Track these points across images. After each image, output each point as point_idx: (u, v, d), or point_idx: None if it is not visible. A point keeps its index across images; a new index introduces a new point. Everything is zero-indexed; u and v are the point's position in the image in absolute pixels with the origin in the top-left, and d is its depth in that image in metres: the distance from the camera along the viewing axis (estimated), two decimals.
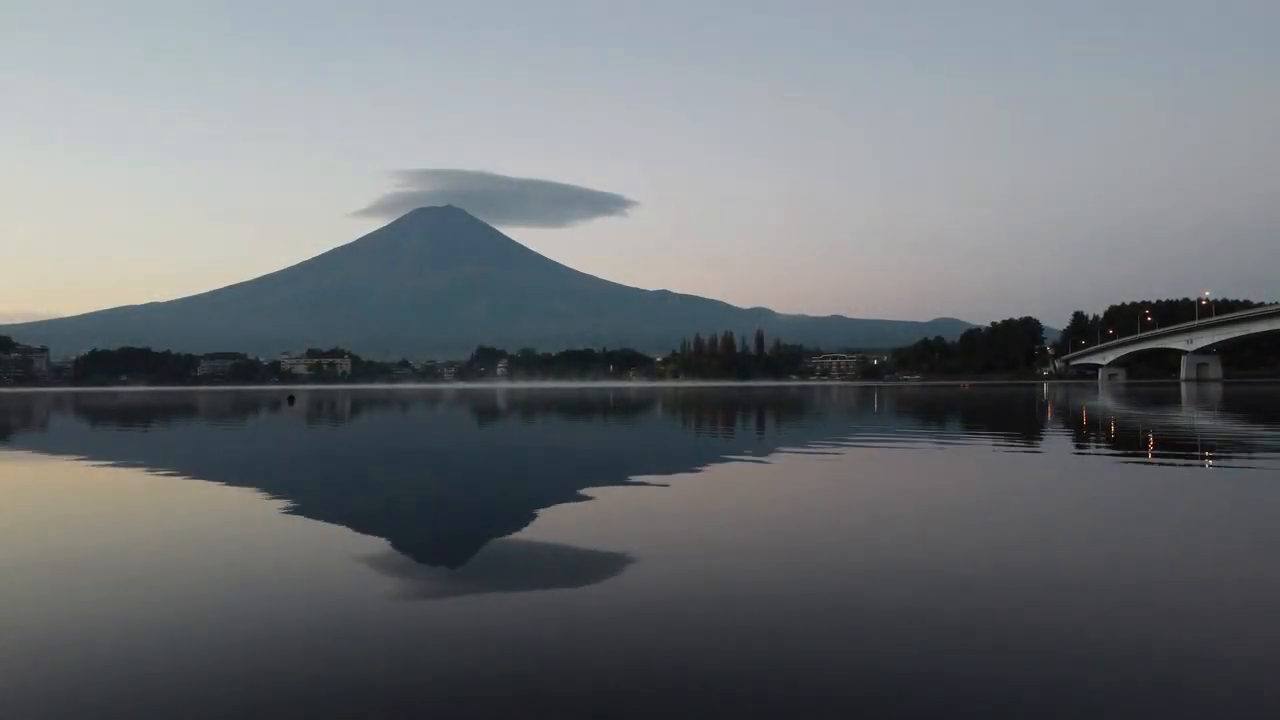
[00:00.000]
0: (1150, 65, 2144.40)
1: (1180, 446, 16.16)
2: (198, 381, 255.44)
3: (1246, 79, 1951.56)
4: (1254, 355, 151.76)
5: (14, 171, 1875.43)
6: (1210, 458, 14.08)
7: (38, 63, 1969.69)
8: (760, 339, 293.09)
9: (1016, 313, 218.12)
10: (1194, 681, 3.81)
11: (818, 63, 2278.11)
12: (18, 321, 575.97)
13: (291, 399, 41.84)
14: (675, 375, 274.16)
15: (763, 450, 16.49)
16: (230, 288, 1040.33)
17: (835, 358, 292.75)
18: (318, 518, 8.73)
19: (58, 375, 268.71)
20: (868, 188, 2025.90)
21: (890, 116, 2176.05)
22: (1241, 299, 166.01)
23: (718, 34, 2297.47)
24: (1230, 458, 14.02)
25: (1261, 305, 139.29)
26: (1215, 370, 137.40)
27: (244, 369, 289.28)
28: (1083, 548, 6.80)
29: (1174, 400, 44.30)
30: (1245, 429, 20.98)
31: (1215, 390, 67.73)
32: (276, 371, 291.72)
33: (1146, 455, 14.69)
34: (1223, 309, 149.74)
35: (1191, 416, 27.38)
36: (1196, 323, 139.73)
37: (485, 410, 41.34)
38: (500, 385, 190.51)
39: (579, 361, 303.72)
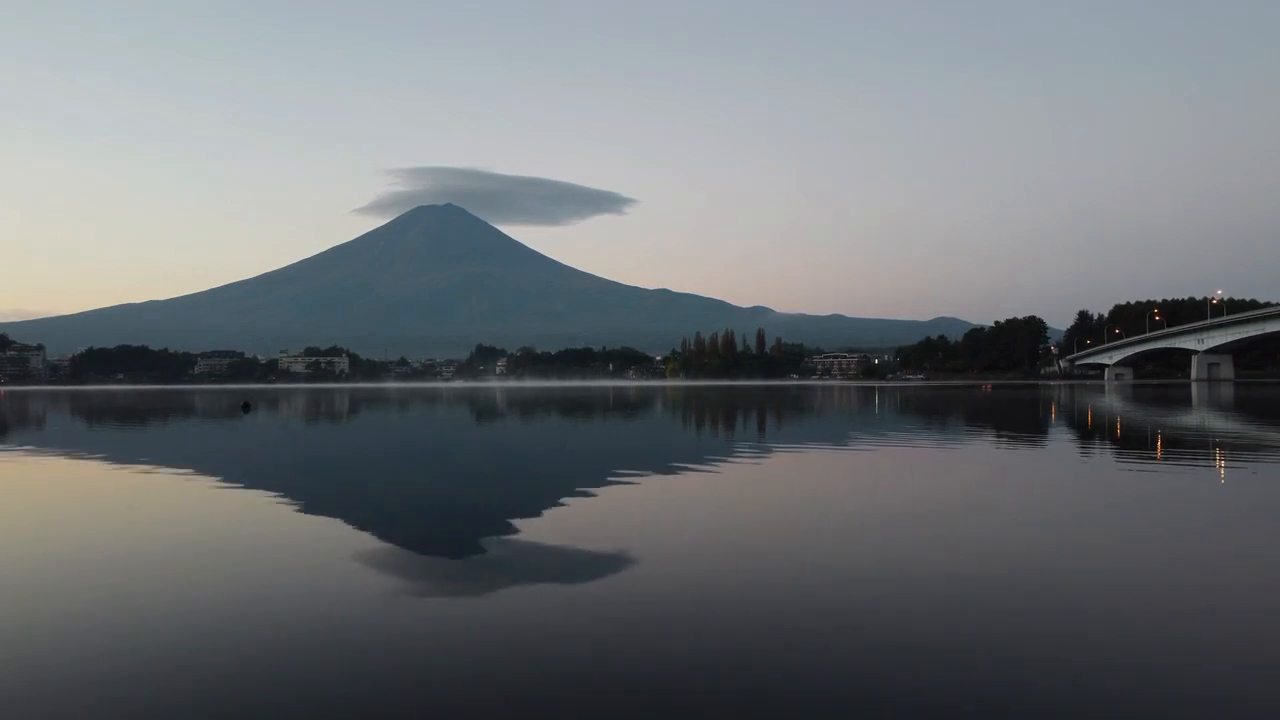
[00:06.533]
0: (1158, 65, 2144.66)
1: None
2: (195, 380, 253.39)
3: (1252, 81, 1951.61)
4: (1262, 355, 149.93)
5: (10, 169, 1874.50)
6: None
7: (35, 59, 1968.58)
8: (761, 338, 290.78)
9: (1018, 312, 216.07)
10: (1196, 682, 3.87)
11: (818, 59, 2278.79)
12: (15, 319, 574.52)
13: (247, 405, 39.85)
14: (675, 374, 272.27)
15: (770, 451, 16.08)
16: (229, 286, 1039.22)
17: (836, 357, 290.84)
18: (317, 519, 8.62)
19: (54, 373, 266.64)
20: (868, 186, 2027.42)
21: (892, 115, 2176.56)
22: (1248, 299, 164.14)
23: (716, 29, 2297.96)
24: None
25: (1269, 305, 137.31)
26: (1227, 370, 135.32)
27: (241, 367, 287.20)
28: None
29: (1208, 402, 42.45)
30: None
31: (1229, 391, 65.85)
32: (274, 370, 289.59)
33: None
34: (1232, 309, 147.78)
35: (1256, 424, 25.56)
36: (1209, 322, 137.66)
37: (483, 409, 40.01)
38: (499, 384, 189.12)
39: (578, 360, 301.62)
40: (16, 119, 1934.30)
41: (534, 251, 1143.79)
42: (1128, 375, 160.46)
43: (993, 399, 51.41)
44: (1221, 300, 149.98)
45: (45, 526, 8.47)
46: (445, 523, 8.64)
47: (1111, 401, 44.49)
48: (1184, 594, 5.50)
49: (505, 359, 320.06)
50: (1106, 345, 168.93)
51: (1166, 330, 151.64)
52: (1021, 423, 26.70)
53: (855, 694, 3.76)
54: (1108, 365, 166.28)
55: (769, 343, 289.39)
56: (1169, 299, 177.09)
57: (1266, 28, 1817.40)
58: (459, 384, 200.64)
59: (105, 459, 15.52)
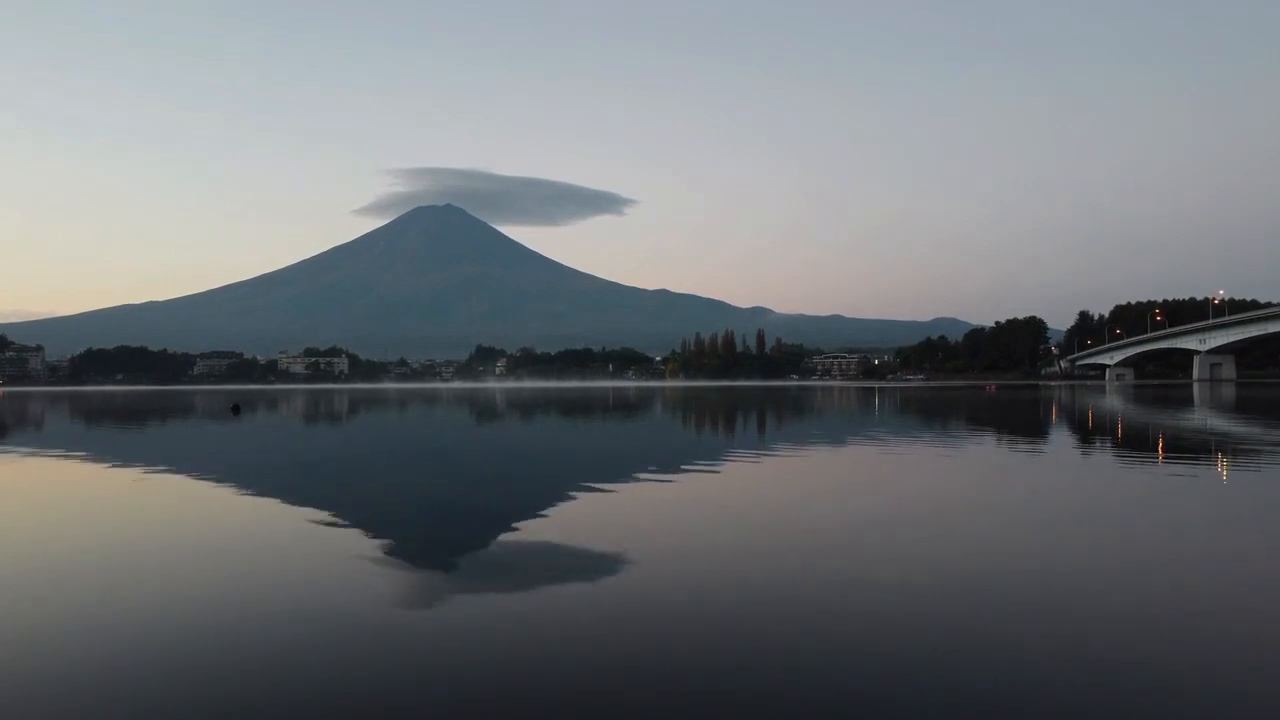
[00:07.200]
0: (1158, 65, 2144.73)
1: None
2: (194, 381, 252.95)
3: (1253, 81, 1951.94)
4: (1264, 355, 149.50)
5: (10, 169, 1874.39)
6: None
7: (35, 60, 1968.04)
8: (760, 338, 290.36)
9: (1018, 312, 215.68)
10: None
11: (818, 59, 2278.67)
12: (14, 320, 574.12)
13: (237, 407, 39.55)
14: (675, 375, 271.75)
15: (770, 452, 15.97)
16: (229, 286, 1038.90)
17: (836, 357, 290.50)
18: (309, 521, 8.52)
19: (53, 374, 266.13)
20: (869, 187, 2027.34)
21: (892, 115, 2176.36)
22: (1249, 299, 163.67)
23: (716, 29, 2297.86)
24: None
25: (1270, 305, 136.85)
26: (1229, 370, 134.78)
27: (241, 368, 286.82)
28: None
29: (1211, 403, 42.04)
30: None
31: (1231, 392, 65.33)
32: (274, 370, 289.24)
33: None
34: (1233, 309, 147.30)
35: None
36: (1211, 322, 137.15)
37: (481, 411, 39.61)
38: (499, 385, 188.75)
39: (578, 361, 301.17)
40: (17, 119, 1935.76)
41: (534, 252, 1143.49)
42: (1129, 375, 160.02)
43: (995, 400, 50.95)
44: (1223, 300, 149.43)
45: (38, 528, 8.38)
46: (442, 525, 8.57)
47: (1113, 402, 44.10)
48: (1185, 595, 5.49)
49: (505, 360, 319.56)
50: (1107, 345, 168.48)
51: (1168, 330, 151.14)
52: (1027, 424, 26.30)
53: (855, 695, 3.76)
54: (1108, 366, 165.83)
55: (769, 343, 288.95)
56: (1170, 299, 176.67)
57: (1267, 28, 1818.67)
58: (458, 385, 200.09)
59: (96, 461, 15.26)
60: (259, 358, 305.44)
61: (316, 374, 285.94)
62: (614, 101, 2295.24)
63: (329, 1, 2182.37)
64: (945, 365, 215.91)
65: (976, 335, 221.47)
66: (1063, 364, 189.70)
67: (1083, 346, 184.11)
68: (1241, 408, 35.20)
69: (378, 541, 7.40)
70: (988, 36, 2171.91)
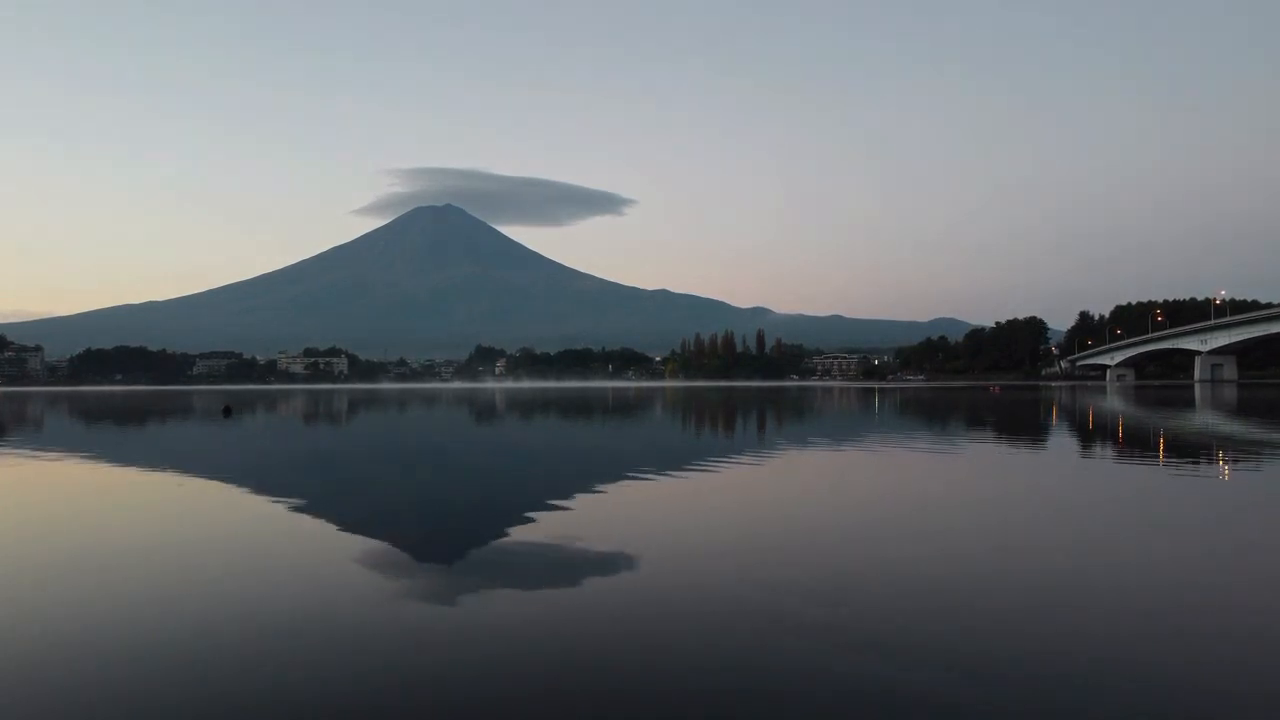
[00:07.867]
0: (1157, 64, 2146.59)
1: None
2: (194, 381, 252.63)
3: (1251, 78, 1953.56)
4: (1265, 356, 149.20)
5: (10, 169, 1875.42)
6: None
7: (35, 62, 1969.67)
8: (760, 339, 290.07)
9: (1018, 313, 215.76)
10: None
11: (817, 60, 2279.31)
12: (13, 320, 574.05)
13: (228, 409, 39.36)
14: (675, 375, 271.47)
15: (770, 453, 15.90)
16: (228, 286, 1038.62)
17: (836, 357, 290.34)
18: (304, 524, 8.50)
19: (52, 374, 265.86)
20: (868, 186, 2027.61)
21: (891, 115, 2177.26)
22: (1249, 299, 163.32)
23: (715, 30, 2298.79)
24: None
25: (1271, 305, 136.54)
26: (1231, 371, 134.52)
27: (240, 368, 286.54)
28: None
29: (1214, 404, 41.79)
30: None
31: (1233, 392, 65.00)
32: (273, 370, 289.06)
33: None
34: (1235, 309, 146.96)
35: None
36: (1212, 322, 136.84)
37: (479, 411, 39.41)
38: (498, 385, 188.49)
39: (578, 361, 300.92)
40: (17, 120, 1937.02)
41: (534, 252, 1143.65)
42: (1129, 376, 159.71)
43: (999, 401, 50.68)
44: (1224, 300, 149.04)
45: (26, 527, 8.41)
46: (441, 524, 8.62)
47: (1117, 403, 43.85)
48: (1189, 595, 5.48)
49: (504, 360, 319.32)
50: (1108, 346, 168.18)
51: (1169, 331, 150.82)
52: (1037, 427, 26.04)
53: (856, 693, 3.76)
54: (1109, 366, 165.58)
55: (769, 343, 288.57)
56: (1171, 299, 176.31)
57: (1266, 26, 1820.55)
58: (457, 385, 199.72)
59: (85, 462, 15.07)
60: (258, 358, 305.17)
61: (316, 374, 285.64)
62: (614, 101, 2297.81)
63: (329, 2, 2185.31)
64: (946, 366, 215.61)
65: (977, 335, 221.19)
66: (1063, 364, 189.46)
67: (1083, 347, 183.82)
68: (1237, 409, 34.97)
69: (376, 541, 7.39)
70: (989, 34, 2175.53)
